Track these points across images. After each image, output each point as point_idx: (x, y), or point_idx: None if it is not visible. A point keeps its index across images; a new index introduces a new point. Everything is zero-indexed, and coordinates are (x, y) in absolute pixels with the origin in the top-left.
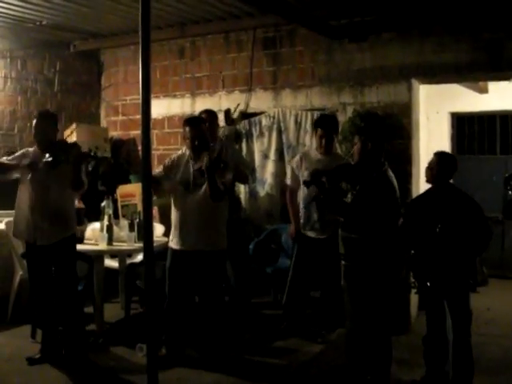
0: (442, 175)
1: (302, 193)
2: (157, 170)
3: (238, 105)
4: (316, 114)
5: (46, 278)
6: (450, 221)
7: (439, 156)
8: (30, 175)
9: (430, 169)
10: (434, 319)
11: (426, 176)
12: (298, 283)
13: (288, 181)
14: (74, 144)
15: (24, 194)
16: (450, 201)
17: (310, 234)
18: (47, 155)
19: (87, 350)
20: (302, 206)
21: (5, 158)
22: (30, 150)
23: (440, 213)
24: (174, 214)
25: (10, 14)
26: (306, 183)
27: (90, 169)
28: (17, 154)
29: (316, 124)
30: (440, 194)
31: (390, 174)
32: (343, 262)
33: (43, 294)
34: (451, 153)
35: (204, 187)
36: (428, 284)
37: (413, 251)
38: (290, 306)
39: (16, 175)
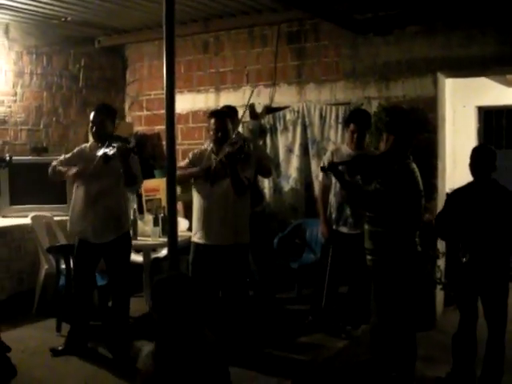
0: (482, 169)
1: (334, 189)
2: (182, 163)
3: (251, 94)
4: (341, 109)
5: (91, 275)
6: (489, 215)
7: (477, 150)
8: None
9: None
10: (467, 316)
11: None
12: (336, 280)
13: (320, 178)
14: (122, 138)
15: (79, 191)
16: (490, 195)
17: (343, 229)
18: (102, 149)
19: (128, 345)
20: (334, 201)
21: (60, 158)
22: (87, 145)
23: (479, 206)
24: (196, 208)
25: (36, 11)
26: (322, 169)
27: None
28: (73, 153)
29: (348, 119)
30: (481, 188)
31: (413, 166)
32: (370, 257)
33: (85, 291)
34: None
35: (227, 181)
36: (464, 259)
37: (449, 245)
38: (328, 302)
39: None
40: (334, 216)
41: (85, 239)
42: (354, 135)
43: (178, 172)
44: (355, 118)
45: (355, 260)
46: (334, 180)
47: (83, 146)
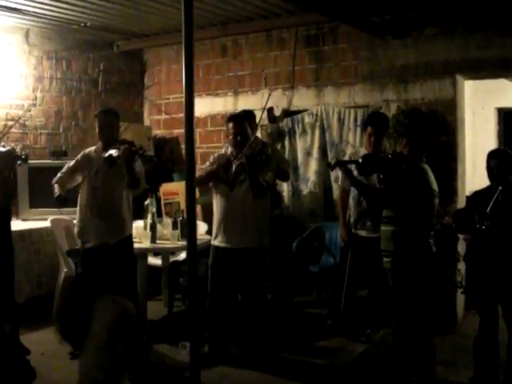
0: (501, 172)
1: (353, 192)
2: (204, 166)
3: (268, 97)
4: (359, 112)
5: (99, 277)
6: (507, 218)
7: (496, 153)
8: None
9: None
10: (487, 320)
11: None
12: (355, 284)
13: (339, 182)
14: (126, 142)
15: (84, 193)
16: (509, 198)
17: (362, 233)
18: (107, 152)
19: (146, 347)
20: (352, 204)
21: (64, 168)
22: (92, 149)
23: (497, 210)
24: (216, 212)
25: (56, 17)
26: (328, 165)
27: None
28: (77, 160)
29: (366, 122)
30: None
31: (424, 166)
32: (389, 259)
33: (95, 293)
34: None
35: (246, 184)
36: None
37: (468, 248)
38: (347, 306)
39: (74, 185)
40: (352, 219)
41: (89, 241)
42: (371, 138)
43: (197, 174)
44: (372, 121)
45: (374, 263)
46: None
47: (87, 150)
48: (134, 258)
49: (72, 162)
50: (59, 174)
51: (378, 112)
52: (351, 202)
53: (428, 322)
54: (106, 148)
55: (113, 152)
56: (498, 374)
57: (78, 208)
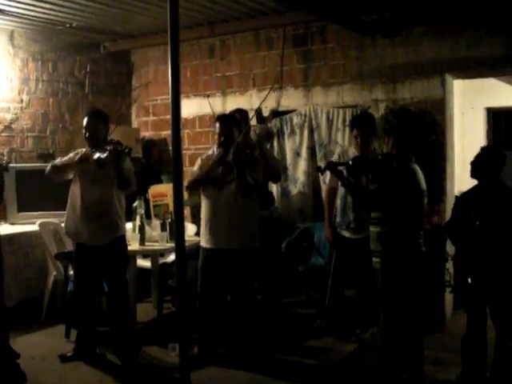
0: (490, 171)
1: (340, 193)
2: (195, 169)
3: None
4: (348, 112)
5: (91, 278)
6: (495, 218)
7: (486, 150)
8: (78, 175)
9: (473, 163)
10: (475, 319)
11: (472, 172)
12: (340, 284)
13: (327, 181)
14: (113, 142)
15: (74, 194)
16: (498, 197)
17: (345, 233)
18: (96, 154)
19: (136, 350)
20: (339, 205)
21: (59, 159)
22: (82, 150)
23: (485, 209)
24: (204, 213)
25: (41, 18)
26: (318, 169)
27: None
28: (71, 155)
29: (352, 124)
30: (488, 189)
31: (413, 166)
32: (376, 259)
33: (86, 295)
34: None
35: (234, 184)
36: (469, 280)
37: (457, 248)
38: (331, 307)
39: (70, 175)
40: (337, 220)
41: (81, 242)
42: (357, 140)
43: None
44: (358, 123)
45: (360, 264)
46: (339, 183)
47: (78, 150)
48: (127, 258)
49: (65, 158)
50: (53, 161)
51: (364, 113)
52: (338, 202)
53: (417, 321)
54: (93, 150)
55: (101, 154)
56: (485, 373)
57: (68, 209)
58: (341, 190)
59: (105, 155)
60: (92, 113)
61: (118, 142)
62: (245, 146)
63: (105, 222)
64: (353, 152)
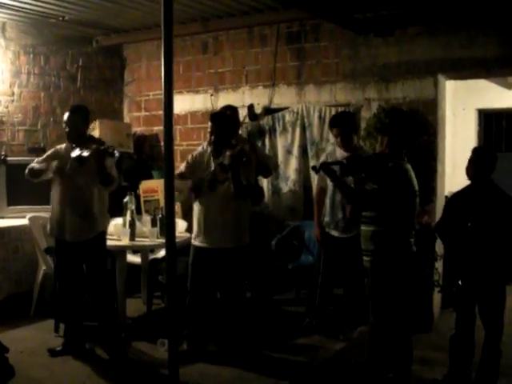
0: (482, 171)
1: (329, 192)
2: (181, 167)
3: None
4: (340, 110)
5: (73, 274)
6: (486, 218)
7: (479, 151)
8: (59, 173)
9: (475, 164)
10: (464, 319)
11: (469, 172)
12: (329, 282)
13: (316, 180)
14: (96, 139)
15: (56, 191)
16: (489, 198)
17: (334, 233)
18: (76, 151)
19: (124, 344)
20: (328, 204)
21: (36, 160)
22: (63, 146)
23: (477, 210)
24: (196, 212)
25: (33, 10)
26: (313, 168)
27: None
28: (48, 154)
29: (331, 123)
30: (479, 190)
31: (407, 166)
32: (367, 258)
33: (70, 289)
34: None
35: (226, 184)
36: (460, 283)
37: (447, 248)
38: (321, 306)
39: (50, 175)
40: (326, 219)
41: (62, 239)
42: (337, 138)
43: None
44: (336, 122)
45: (348, 263)
46: (329, 183)
47: (58, 147)
48: (106, 254)
49: (43, 157)
50: (32, 164)
51: (342, 112)
52: (327, 201)
53: (406, 320)
54: (73, 146)
55: (82, 152)
56: (471, 372)
57: (51, 206)
58: (330, 190)
59: (87, 154)
60: (73, 108)
61: (99, 141)
62: (240, 153)
63: (86, 219)
64: (340, 152)
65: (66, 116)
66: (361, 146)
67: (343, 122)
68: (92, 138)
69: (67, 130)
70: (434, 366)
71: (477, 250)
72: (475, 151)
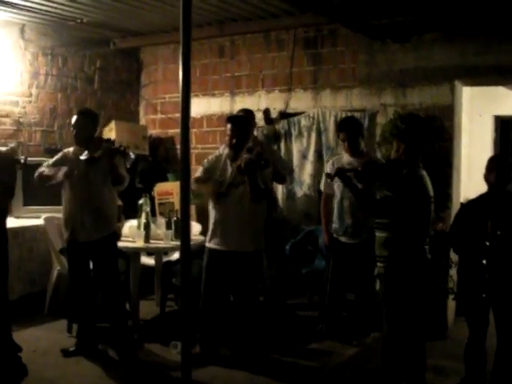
0: (504, 179)
1: (336, 198)
2: (198, 172)
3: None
4: (356, 116)
5: (85, 274)
6: (503, 227)
7: (501, 159)
8: (69, 175)
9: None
10: (478, 327)
11: (489, 180)
12: (338, 288)
13: (322, 187)
14: (106, 140)
15: (67, 193)
16: (505, 207)
17: (343, 239)
18: (85, 153)
19: (134, 346)
20: (335, 210)
21: (45, 164)
22: (71, 150)
23: (503, 218)
24: (212, 214)
25: (52, 12)
26: (328, 175)
27: (128, 166)
28: (57, 158)
29: (338, 128)
30: (500, 198)
31: (422, 173)
32: (381, 264)
33: (82, 290)
34: None
35: (242, 187)
36: (483, 295)
37: (461, 256)
38: (331, 310)
39: (59, 180)
40: (334, 226)
41: (75, 240)
42: (344, 143)
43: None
44: (343, 127)
45: (357, 268)
46: (336, 189)
47: (65, 150)
48: (117, 255)
49: (52, 160)
50: (41, 168)
51: (349, 117)
52: (335, 207)
53: (419, 327)
54: (83, 148)
55: (93, 153)
56: (487, 381)
57: (63, 208)
58: (337, 196)
59: (97, 154)
60: (81, 111)
61: (110, 141)
62: (259, 156)
63: (98, 219)
64: (346, 157)
65: (73, 119)
66: (367, 151)
67: (350, 127)
68: (101, 139)
69: (75, 132)
70: (448, 374)
71: (505, 258)
72: (496, 159)
